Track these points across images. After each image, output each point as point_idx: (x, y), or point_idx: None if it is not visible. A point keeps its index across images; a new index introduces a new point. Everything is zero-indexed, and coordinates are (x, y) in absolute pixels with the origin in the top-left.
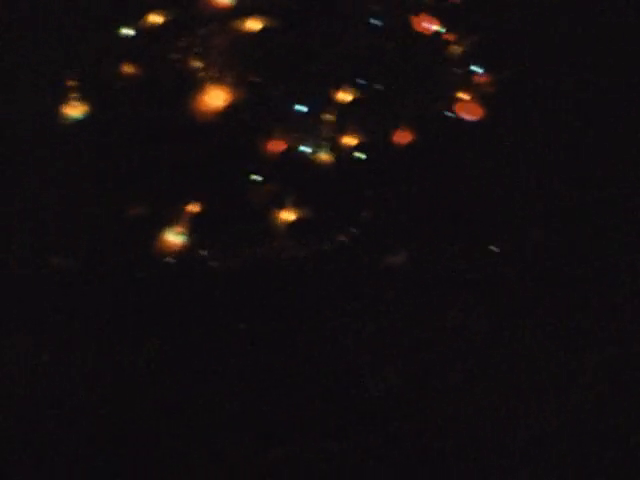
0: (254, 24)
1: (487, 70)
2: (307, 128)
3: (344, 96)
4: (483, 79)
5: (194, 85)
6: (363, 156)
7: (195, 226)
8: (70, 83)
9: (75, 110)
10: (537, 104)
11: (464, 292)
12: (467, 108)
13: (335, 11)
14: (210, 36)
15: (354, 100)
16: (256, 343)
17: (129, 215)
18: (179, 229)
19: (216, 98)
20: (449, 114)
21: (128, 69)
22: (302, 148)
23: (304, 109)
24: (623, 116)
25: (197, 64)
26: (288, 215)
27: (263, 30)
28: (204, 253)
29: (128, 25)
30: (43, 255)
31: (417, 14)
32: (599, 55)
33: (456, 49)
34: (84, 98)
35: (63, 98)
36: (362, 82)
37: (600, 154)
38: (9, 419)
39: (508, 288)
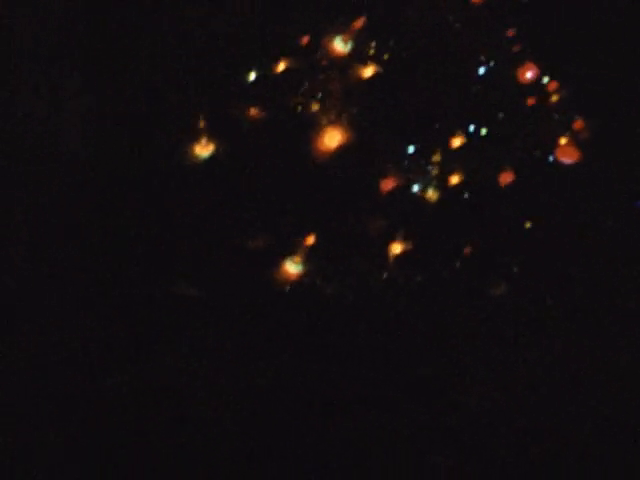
0: (368, 71)
1: (585, 116)
2: (417, 168)
3: (453, 139)
4: (580, 125)
5: (314, 127)
6: (468, 195)
7: (312, 257)
8: (201, 124)
9: (205, 150)
10: (631, 148)
11: (561, 324)
12: (566, 152)
13: (442, 61)
14: (328, 82)
15: (462, 143)
16: (369, 369)
17: (251, 246)
18: (297, 259)
19: (333, 139)
20: (550, 158)
21: (254, 112)
22: (412, 186)
23: (413, 150)
24: None
25: (316, 108)
26: (397, 248)
27: (376, 76)
28: (320, 282)
29: (256, 71)
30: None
31: (522, 63)
32: None
33: (556, 96)
34: (213, 138)
35: (194, 138)
36: (470, 127)
37: None
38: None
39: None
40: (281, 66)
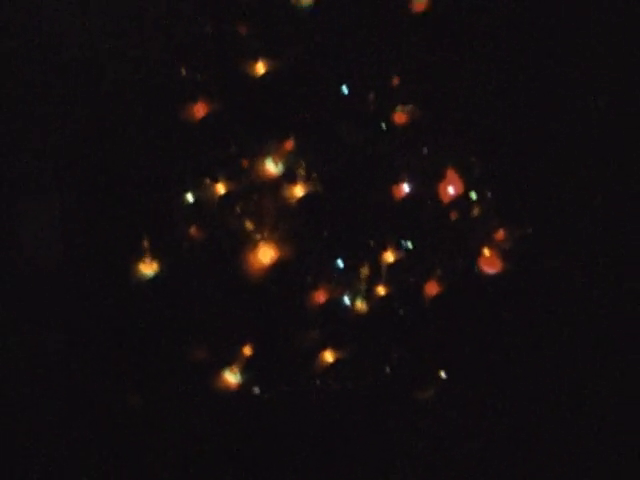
0: (299, 190)
1: (506, 226)
2: (346, 281)
3: (380, 254)
4: (502, 235)
5: (248, 244)
6: (396, 305)
7: (249, 367)
8: (145, 244)
9: (148, 268)
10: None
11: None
12: (488, 261)
13: (369, 180)
14: (261, 201)
15: (388, 257)
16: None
17: (191, 358)
18: (235, 369)
19: (266, 255)
20: (474, 268)
21: (193, 232)
22: (341, 298)
23: (342, 265)
24: None
25: (250, 226)
26: (329, 357)
27: (308, 196)
28: (256, 390)
29: (192, 191)
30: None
31: (443, 179)
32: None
33: (478, 208)
34: (156, 257)
35: (138, 257)
36: (396, 241)
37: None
38: None
39: None
40: (218, 188)
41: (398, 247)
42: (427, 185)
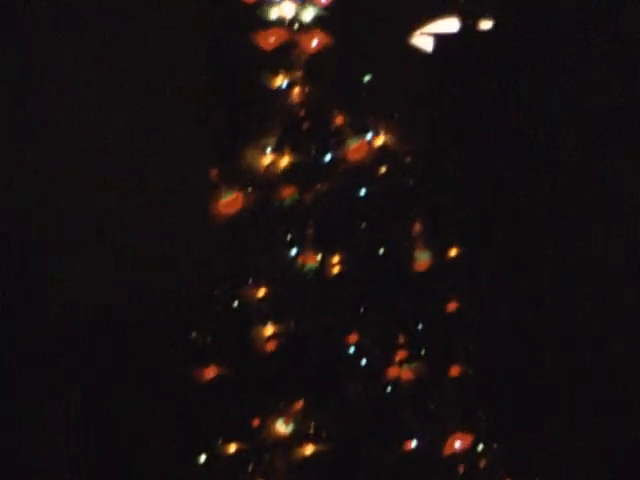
0: (309, 449)
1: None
2: None
3: None
4: None
5: None
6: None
7: None
8: None
9: None
10: None
11: None
12: None
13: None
14: (273, 461)
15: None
16: None
17: None
18: None
19: None
20: None
21: None
22: None
23: None
24: None
25: None
26: None
27: (316, 454)
28: None
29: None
30: None
31: (452, 432)
32: None
33: (485, 460)
34: None
35: None
36: None
37: None
38: None
39: None
40: (230, 447)
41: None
42: (435, 440)
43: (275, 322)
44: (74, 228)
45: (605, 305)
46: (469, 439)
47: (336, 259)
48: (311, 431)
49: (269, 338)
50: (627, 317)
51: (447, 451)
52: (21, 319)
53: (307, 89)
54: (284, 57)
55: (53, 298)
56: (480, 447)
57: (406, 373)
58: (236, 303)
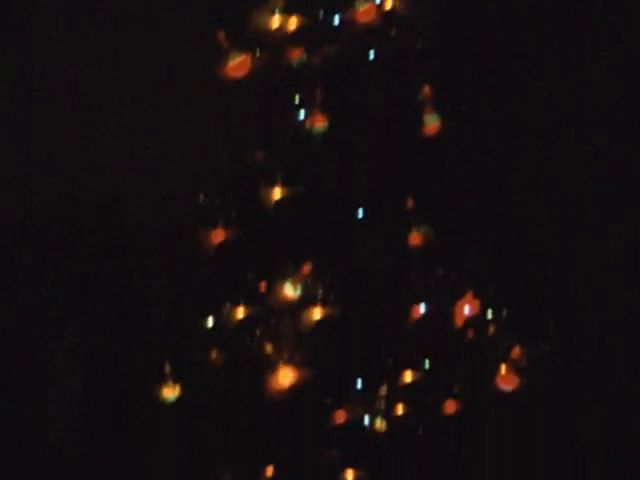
0: (318, 313)
1: (523, 344)
2: (365, 401)
3: (398, 374)
4: (518, 353)
5: (268, 367)
6: (415, 424)
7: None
8: (167, 368)
9: (170, 392)
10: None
11: None
12: (505, 379)
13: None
14: (281, 325)
15: (407, 378)
16: None
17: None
18: None
19: (286, 377)
20: (491, 385)
21: (214, 355)
22: (361, 418)
23: (361, 385)
24: None
25: (270, 349)
26: (349, 476)
27: (324, 318)
28: None
29: (212, 316)
30: None
31: (461, 298)
32: None
33: (494, 327)
34: (177, 381)
35: (161, 381)
36: (414, 361)
37: None
38: None
39: None
40: (238, 312)
41: (416, 367)
42: (444, 305)
43: (283, 184)
44: None
45: None
46: (477, 305)
47: (344, 122)
48: (319, 295)
49: (277, 200)
50: None
51: (456, 318)
52: None
53: None
54: None
55: None
56: (489, 314)
57: (415, 238)
58: (243, 166)
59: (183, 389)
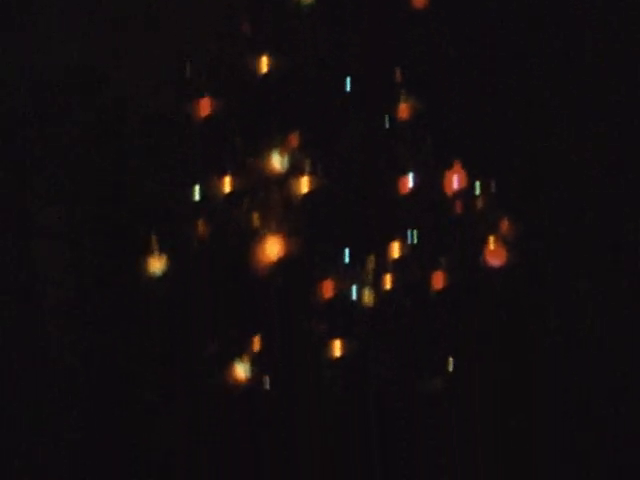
0: (305, 185)
1: (511, 218)
2: (353, 274)
3: (386, 246)
4: (507, 227)
5: (255, 238)
6: (402, 297)
7: (258, 359)
8: (153, 240)
9: (157, 263)
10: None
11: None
12: (493, 254)
13: (373, 173)
14: (268, 196)
15: (395, 250)
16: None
17: (204, 353)
18: (246, 362)
19: (273, 249)
20: (478, 260)
21: (201, 227)
22: (348, 291)
23: (349, 257)
24: None
25: (257, 221)
26: (337, 348)
27: (313, 190)
28: (265, 383)
29: (199, 187)
30: None
31: (447, 171)
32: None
33: (482, 200)
34: (164, 253)
35: (147, 253)
36: (402, 233)
37: None
38: None
39: None
40: (224, 183)
41: (404, 239)
42: (432, 177)
43: (270, 54)
44: None
45: None
46: (465, 177)
47: None
48: (307, 166)
49: (265, 70)
50: None
51: (444, 190)
52: None
53: None
54: None
55: None
56: (477, 186)
57: (403, 110)
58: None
59: (170, 260)
